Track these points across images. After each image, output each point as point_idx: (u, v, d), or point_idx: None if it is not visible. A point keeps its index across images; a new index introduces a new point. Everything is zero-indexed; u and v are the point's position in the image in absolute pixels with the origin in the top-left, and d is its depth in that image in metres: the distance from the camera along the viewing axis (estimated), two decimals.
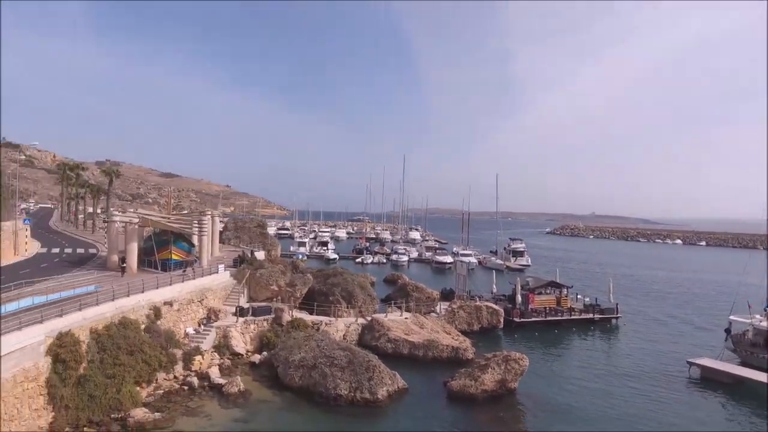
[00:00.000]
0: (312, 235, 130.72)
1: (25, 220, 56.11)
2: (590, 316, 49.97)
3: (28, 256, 48.82)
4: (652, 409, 28.67)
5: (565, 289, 52.44)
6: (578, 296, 55.03)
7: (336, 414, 26.59)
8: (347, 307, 42.85)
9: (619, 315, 51.06)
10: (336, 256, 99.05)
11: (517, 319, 46.92)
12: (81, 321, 25.24)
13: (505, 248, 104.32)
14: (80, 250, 54.82)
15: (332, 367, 28.89)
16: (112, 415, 23.87)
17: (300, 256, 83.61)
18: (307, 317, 39.31)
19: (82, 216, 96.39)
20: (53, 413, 22.45)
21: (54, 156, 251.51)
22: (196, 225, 44.30)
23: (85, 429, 22.82)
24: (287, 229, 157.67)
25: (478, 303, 46.27)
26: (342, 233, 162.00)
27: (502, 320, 45.56)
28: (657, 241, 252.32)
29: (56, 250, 54.31)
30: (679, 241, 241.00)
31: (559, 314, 49.29)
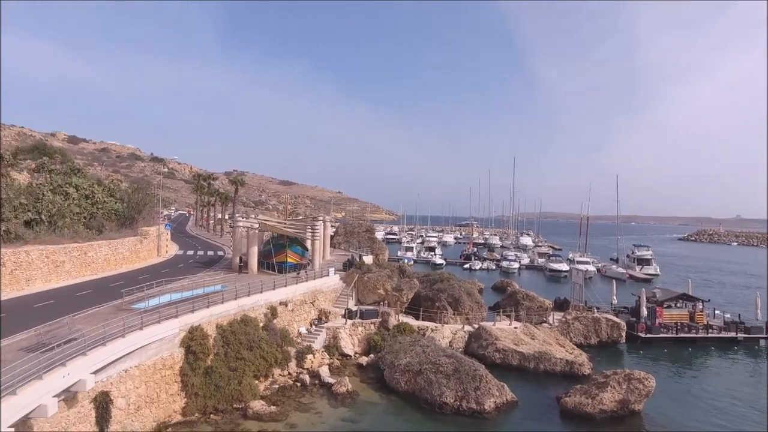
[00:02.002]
0: (419, 240, 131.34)
1: (166, 225, 63.55)
2: (733, 334, 43.76)
3: (168, 257, 55.17)
4: None
5: (700, 303, 46.55)
6: (716, 312, 48.57)
7: (441, 422, 26.19)
8: (453, 314, 42.23)
9: None
10: (443, 261, 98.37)
11: (641, 335, 42.63)
12: (209, 317, 27.79)
13: (627, 255, 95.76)
14: (210, 253, 60.71)
15: (438, 374, 28.57)
16: (234, 405, 25.91)
17: (407, 261, 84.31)
18: (413, 322, 39.40)
19: (213, 221, 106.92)
20: (185, 399, 24.98)
21: (191, 168, 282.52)
22: (309, 230, 46.71)
23: (212, 416, 25.03)
24: (395, 234, 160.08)
25: (596, 315, 42.87)
26: (449, 238, 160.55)
27: (623, 335, 41.71)
28: None
29: (191, 252, 60.72)
30: None
31: (693, 331, 43.85)
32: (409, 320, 39.77)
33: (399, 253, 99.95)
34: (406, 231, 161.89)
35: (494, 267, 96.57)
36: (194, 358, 25.61)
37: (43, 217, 39.14)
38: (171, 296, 29.41)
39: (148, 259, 51.12)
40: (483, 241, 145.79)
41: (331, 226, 68.59)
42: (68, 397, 18.16)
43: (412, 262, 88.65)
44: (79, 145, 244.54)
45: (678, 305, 46.27)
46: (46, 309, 26.50)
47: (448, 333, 38.09)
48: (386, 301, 42.70)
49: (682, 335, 43.27)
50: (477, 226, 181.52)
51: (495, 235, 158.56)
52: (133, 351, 22.07)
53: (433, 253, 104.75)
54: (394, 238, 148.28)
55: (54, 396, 16.68)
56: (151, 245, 53.02)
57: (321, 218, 54.95)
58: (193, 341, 25.73)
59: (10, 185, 39.40)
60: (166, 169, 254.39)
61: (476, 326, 39.02)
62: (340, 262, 49.95)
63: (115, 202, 53.97)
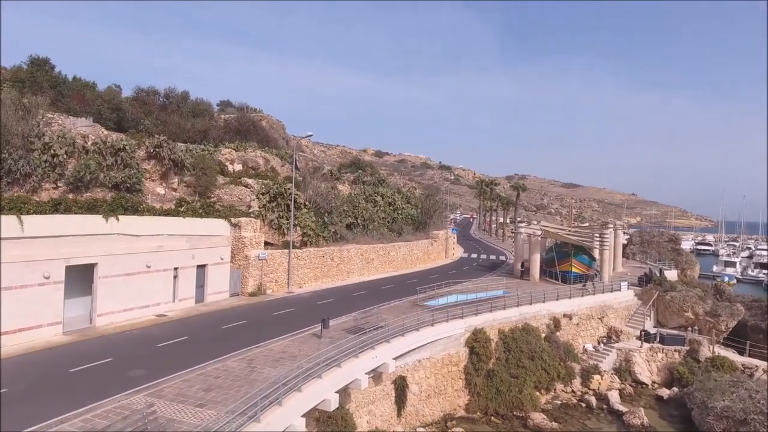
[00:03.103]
0: (746, 253, 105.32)
1: (453, 229, 68.55)
2: None
3: (454, 259, 59.34)
4: None
5: None
6: None
7: None
8: None
9: None
10: None
11: None
12: (491, 321, 28.48)
13: None
14: (492, 257, 62.54)
15: None
16: (514, 413, 25.81)
17: (727, 280, 68.60)
18: (735, 357, 31.73)
19: (495, 225, 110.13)
20: (468, 397, 26.22)
21: (474, 174, 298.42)
22: (597, 238, 42.95)
23: (492, 418, 25.55)
24: (709, 244, 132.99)
25: None
26: None
27: None
28: None
29: (474, 256, 63.84)
30: None
31: None
32: (729, 354, 32.18)
33: (715, 269, 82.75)
34: (724, 241, 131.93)
35: None
36: (477, 359, 26.65)
37: (359, 221, 47.45)
38: (457, 297, 31.36)
39: (437, 260, 56.11)
40: None
41: (624, 233, 61.58)
42: (375, 376, 21.26)
43: (734, 281, 71.82)
44: (383, 158, 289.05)
45: None
46: (360, 298, 31.89)
47: None
48: (696, 327, 35.65)
49: None
50: None
51: None
52: (425, 344, 24.37)
53: (766, 272, 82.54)
54: (708, 250, 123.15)
55: (366, 373, 19.76)
56: (440, 247, 58.00)
57: (611, 224, 49.90)
58: (476, 343, 26.80)
59: (337, 195, 49.05)
60: (452, 176, 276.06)
61: None
62: (634, 276, 44.40)
63: (411, 208, 61.11)
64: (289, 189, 37.05)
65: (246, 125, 60.27)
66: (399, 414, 22.80)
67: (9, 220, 19.97)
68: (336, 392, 17.39)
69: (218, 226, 30.64)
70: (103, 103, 45.36)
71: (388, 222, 53.27)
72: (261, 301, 30.30)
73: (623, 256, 56.18)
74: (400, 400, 22.92)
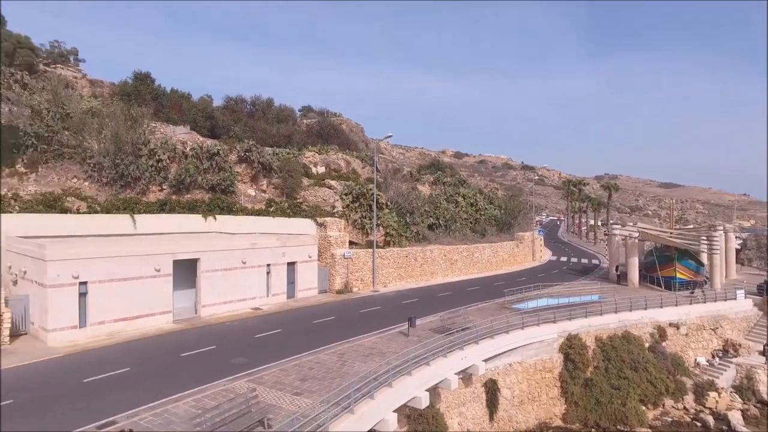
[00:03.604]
0: None
1: (539, 231, 65.61)
2: None
3: (542, 262, 56.63)
4: None
5: None
6: None
7: None
8: None
9: None
10: None
11: None
12: (586, 327, 26.57)
13: None
14: (584, 261, 58.91)
15: None
16: (618, 426, 23.81)
17: None
18: None
19: (585, 228, 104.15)
20: (565, 406, 24.60)
21: (560, 174, 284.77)
22: (705, 241, 38.86)
23: (592, 431, 23.74)
24: None
25: None
26: None
27: None
28: None
29: (564, 259, 60.54)
30: None
31: None
32: None
33: None
34: None
35: None
36: (573, 366, 24.96)
37: (440, 222, 46.73)
38: (548, 300, 29.72)
39: (523, 262, 53.85)
40: None
41: (736, 237, 55.39)
42: (465, 377, 20.47)
43: None
44: (462, 159, 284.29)
45: None
46: (445, 299, 31.19)
47: None
48: None
49: None
50: None
51: None
52: (515, 348, 23.18)
53: None
54: None
55: (455, 374, 19.08)
56: (526, 249, 55.64)
57: (720, 227, 45.01)
58: (571, 349, 25.13)
59: (418, 196, 48.72)
60: (536, 177, 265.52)
61: None
62: (752, 284, 39.61)
63: (494, 209, 59.23)
64: (370, 190, 37.28)
65: (327, 129, 61.99)
66: (491, 418, 21.83)
67: (123, 219, 21.82)
68: (426, 390, 16.91)
69: (305, 226, 31.48)
70: (197, 112, 48.76)
71: (471, 223, 52.00)
72: (348, 298, 30.63)
73: (737, 262, 50.52)
74: (492, 403, 21.95)
